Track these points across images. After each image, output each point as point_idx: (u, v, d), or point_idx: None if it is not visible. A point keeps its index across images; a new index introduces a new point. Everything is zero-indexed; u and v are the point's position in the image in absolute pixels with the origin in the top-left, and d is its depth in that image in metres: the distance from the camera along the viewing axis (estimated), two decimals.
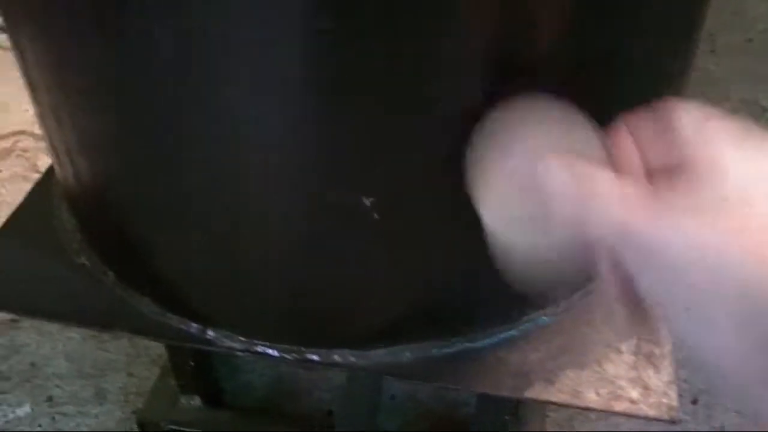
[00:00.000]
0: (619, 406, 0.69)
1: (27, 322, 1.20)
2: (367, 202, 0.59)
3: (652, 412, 0.69)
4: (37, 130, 1.50)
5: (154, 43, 0.53)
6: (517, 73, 0.56)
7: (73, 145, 0.68)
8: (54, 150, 0.75)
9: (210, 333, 0.73)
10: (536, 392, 0.71)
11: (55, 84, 0.65)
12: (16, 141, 1.47)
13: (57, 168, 0.79)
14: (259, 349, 0.72)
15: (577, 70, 0.60)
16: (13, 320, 1.20)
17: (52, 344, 1.18)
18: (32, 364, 1.16)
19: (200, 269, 0.68)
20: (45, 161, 1.44)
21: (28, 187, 1.37)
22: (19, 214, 0.89)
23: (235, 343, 0.73)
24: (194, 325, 0.75)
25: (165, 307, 0.73)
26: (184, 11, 0.52)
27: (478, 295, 0.72)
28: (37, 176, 1.40)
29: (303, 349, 0.72)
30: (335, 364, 0.72)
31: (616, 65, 0.64)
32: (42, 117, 0.74)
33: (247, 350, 0.73)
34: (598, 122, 0.52)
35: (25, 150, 1.46)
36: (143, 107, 0.58)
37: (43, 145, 1.47)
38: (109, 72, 0.59)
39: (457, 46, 0.53)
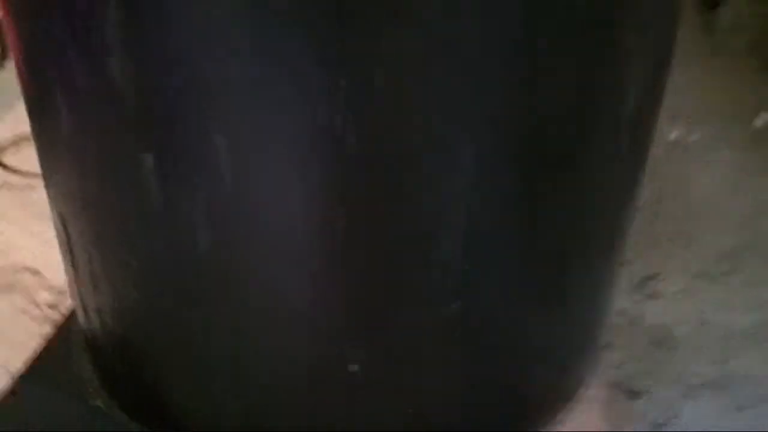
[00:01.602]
0: None
1: None
2: (355, 367, 0.73)
3: None
4: (41, 267, 1.62)
5: (194, 237, 0.68)
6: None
7: (106, 308, 0.81)
8: (83, 307, 0.88)
9: None
10: None
11: (98, 258, 0.79)
12: (21, 277, 1.60)
13: (82, 321, 0.92)
14: None
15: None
16: None
17: None
18: None
19: (210, 421, 0.81)
20: (44, 297, 1.56)
21: (28, 321, 1.48)
22: (40, 358, 1.01)
23: None
24: None
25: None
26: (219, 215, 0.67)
27: None
28: (38, 311, 1.51)
29: None
30: None
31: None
32: (76, 279, 0.87)
33: None
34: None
35: (28, 286, 1.58)
36: (180, 288, 0.72)
37: (49, 283, 1.59)
38: (149, 254, 0.73)
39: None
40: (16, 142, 1.97)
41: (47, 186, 0.84)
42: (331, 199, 0.66)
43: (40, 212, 1.77)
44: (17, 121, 2.05)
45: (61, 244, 0.88)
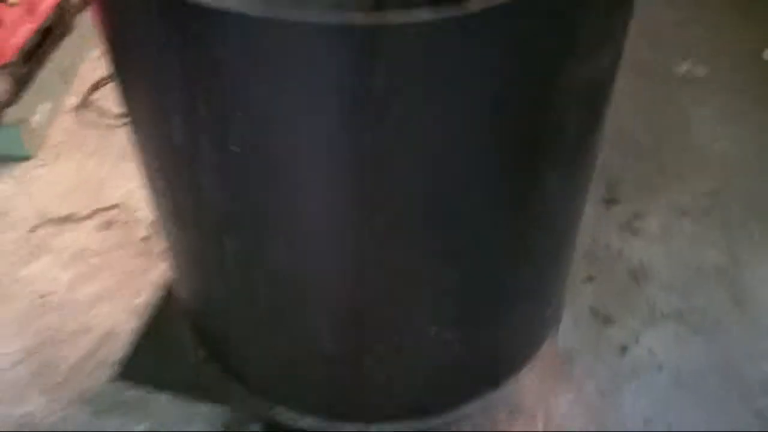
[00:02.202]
0: None
1: None
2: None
3: None
4: (132, 205, 2.00)
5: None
6: None
7: (196, 289, 1.18)
8: (180, 285, 1.25)
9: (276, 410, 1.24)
10: None
11: (186, 256, 1.15)
12: (117, 214, 1.98)
13: (179, 294, 1.29)
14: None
15: None
16: None
17: None
18: None
19: (274, 372, 1.19)
20: (141, 233, 1.94)
21: (129, 255, 1.86)
22: (153, 323, 1.39)
23: (292, 419, 1.24)
24: (256, 400, 1.25)
25: (247, 390, 1.24)
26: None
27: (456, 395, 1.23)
28: (134, 246, 1.90)
29: (338, 423, 1.22)
30: None
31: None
32: (173, 265, 1.24)
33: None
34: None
35: (124, 222, 1.97)
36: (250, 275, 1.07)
37: (139, 218, 1.96)
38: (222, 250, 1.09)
39: None
40: (100, 83, 2.30)
41: (148, 185, 1.17)
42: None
43: (126, 151, 2.13)
44: (98, 64, 2.38)
45: (162, 235, 1.23)
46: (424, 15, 0.80)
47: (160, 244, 1.89)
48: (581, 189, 1.22)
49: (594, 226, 1.98)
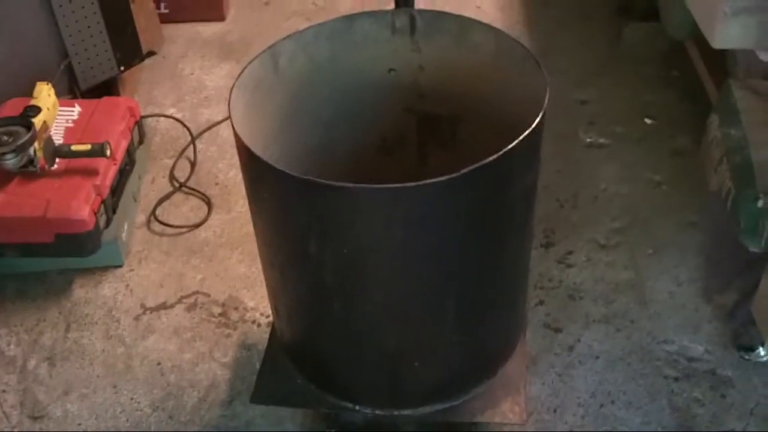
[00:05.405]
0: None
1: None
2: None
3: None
4: (206, 290, 2.72)
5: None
6: None
7: (288, 327, 1.92)
8: (279, 328, 1.98)
9: (349, 404, 1.97)
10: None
11: (282, 304, 1.89)
12: (196, 298, 2.70)
13: (279, 334, 2.02)
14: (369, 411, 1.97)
15: None
16: None
17: None
18: None
19: (348, 381, 1.93)
20: (217, 310, 2.65)
21: (212, 327, 2.57)
22: (265, 358, 2.11)
23: (358, 408, 1.97)
24: (342, 402, 1.98)
25: (332, 395, 1.97)
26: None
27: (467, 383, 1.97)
28: (214, 320, 2.61)
29: (388, 410, 1.96)
30: (401, 416, 1.97)
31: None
32: (275, 310, 1.98)
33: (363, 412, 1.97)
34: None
35: (203, 304, 2.69)
36: (328, 312, 1.82)
37: (214, 299, 2.68)
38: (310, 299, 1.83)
39: None
40: (159, 202, 3.03)
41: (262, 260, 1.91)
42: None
43: (194, 251, 2.86)
44: (151, 187, 3.11)
45: (276, 302, 1.97)
46: None
47: (233, 317, 2.62)
48: (528, 245, 2.00)
49: (539, 264, 2.76)
